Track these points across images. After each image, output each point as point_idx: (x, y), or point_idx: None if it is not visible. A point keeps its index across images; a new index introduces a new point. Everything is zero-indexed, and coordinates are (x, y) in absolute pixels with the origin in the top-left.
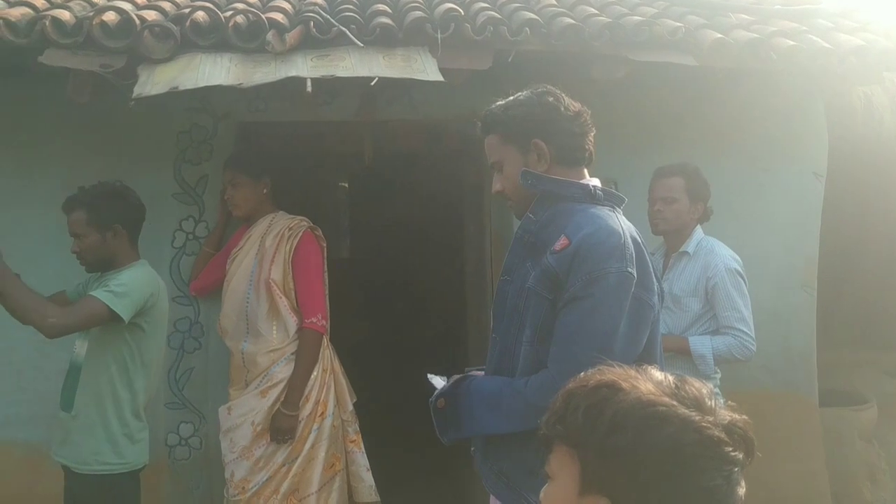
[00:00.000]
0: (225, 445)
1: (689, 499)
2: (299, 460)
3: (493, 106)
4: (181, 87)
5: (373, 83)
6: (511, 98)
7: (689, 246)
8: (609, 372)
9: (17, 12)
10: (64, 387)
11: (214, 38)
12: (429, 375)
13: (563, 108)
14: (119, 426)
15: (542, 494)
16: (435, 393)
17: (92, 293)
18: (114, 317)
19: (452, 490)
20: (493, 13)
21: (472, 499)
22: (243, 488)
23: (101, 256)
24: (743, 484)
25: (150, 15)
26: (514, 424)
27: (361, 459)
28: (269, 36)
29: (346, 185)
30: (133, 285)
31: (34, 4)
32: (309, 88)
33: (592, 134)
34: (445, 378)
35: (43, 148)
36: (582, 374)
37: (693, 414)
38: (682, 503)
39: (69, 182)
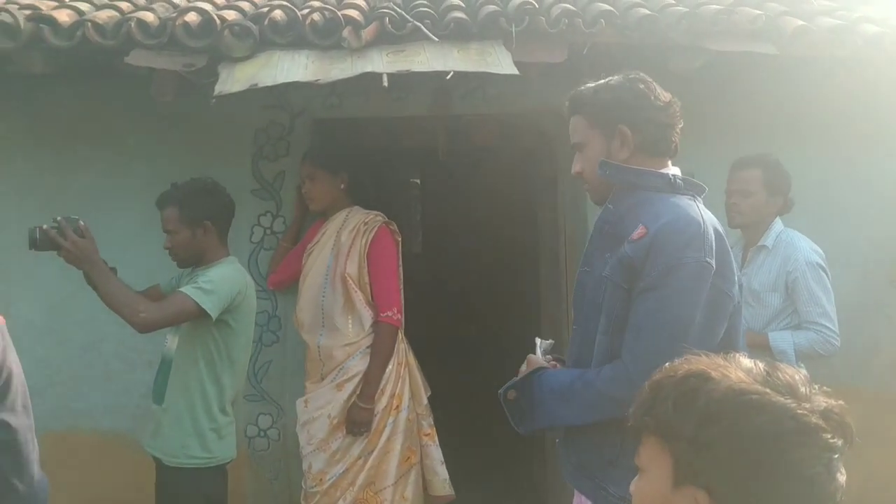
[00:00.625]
0: (303, 438)
1: (788, 488)
2: (375, 453)
3: (583, 87)
4: (260, 84)
5: (448, 77)
6: (602, 81)
7: (768, 239)
8: (696, 361)
9: (105, 15)
10: (156, 380)
11: (292, 36)
12: (536, 339)
13: (653, 97)
14: (207, 420)
15: (632, 487)
16: (505, 385)
17: (181, 289)
18: (202, 313)
19: (526, 483)
20: (567, 5)
21: (548, 492)
22: (321, 480)
23: (191, 252)
24: (843, 471)
25: (230, 15)
26: (586, 416)
27: (436, 453)
28: (346, 32)
29: (418, 180)
30: (221, 282)
31: (120, 7)
32: (385, 83)
33: (680, 126)
34: (552, 342)
35: (128, 146)
36: (668, 364)
37: (788, 401)
38: (782, 493)
39: (152, 179)
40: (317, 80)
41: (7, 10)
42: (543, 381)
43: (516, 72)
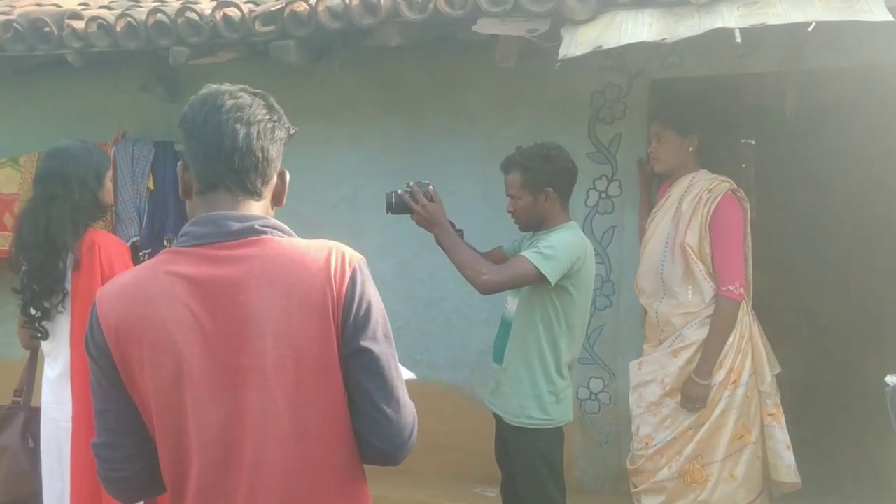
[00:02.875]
0: (633, 399)
1: None
2: (706, 426)
3: None
4: (605, 47)
5: (809, 28)
6: None
7: None
8: None
9: None
10: (496, 340)
11: None
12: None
13: None
14: (545, 383)
15: None
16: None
17: (522, 253)
18: (541, 278)
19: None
20: None
21: None
22: (647, 444)
23: (533, 217)
24: None
25: None
26: None
27: (781, 435)
28: None
29: (752, 141)
30: (561, 248)
31: None
32: (738, 39)
33: None
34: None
35: (469, 112)
36: None
37: None
38: None
39: (490, 144)
40: (663, 40)
41: None
42: None
43: (891, 17)
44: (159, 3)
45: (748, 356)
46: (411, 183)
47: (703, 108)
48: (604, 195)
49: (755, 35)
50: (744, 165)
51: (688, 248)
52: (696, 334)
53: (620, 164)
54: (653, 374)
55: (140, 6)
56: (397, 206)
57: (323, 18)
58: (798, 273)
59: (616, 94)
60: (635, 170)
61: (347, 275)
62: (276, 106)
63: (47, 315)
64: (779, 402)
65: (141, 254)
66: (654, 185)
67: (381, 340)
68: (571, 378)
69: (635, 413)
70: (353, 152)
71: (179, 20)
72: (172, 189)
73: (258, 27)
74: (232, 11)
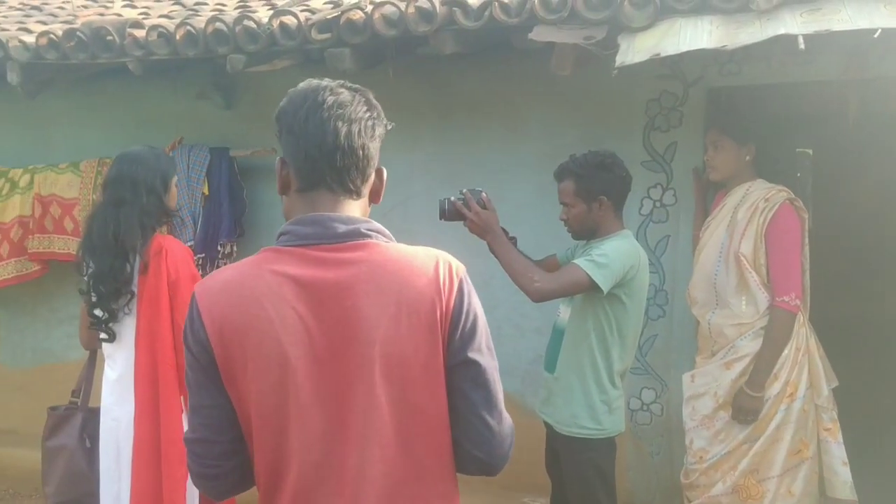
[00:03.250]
0: (686, 412)
1: None
2: (762, 440)
3: None
4: (663, 54)
5: (876, 35)
6: None
7: None
8: None
9: None
10: (548, 349)
11: (694, 2)
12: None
13: None
14: (597, 393)
15: None
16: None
17: (575, 261)
18: (594, 286)
19: None
20: None
21: None
22: (701, 458)
23: (586, 225)
24: None
25: None
26: None
27: (837, 451)
28: None
29: (810, 150)
30: (614, 256)
31: None
32: (802, 46)
33: None
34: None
35: (523, 119)
36: None
37: None
38: None
39: (544, 152)
40: (723, 47)
41: None
42: None
43: None
44: (217, 12)
45: (805, 369)
46: (464, 190)
47: (761, 116)
48: (658, 204)
49: (816, 42)
50: (799, 175)
51: (742, 258)
52: (750, 346)
53: (675, 172)
54: (706, 387)
55: (199, 15)
56: (450, 213)
57: (378, 26)
58: (857, 285)
59: (672, 103)
60: (691, 179)
61: (455, 285)
62: (375, 102)
63: (114, 317)
64: (835, 416)
65: (195, 258)
66: (709, 194)
67: (485, 352)
68: (623, 388)
69: (689, 426)
70: (407, 160)
71: (237, 28)
72: (227, 195)
73: (314, 35)
74: (288, 19)
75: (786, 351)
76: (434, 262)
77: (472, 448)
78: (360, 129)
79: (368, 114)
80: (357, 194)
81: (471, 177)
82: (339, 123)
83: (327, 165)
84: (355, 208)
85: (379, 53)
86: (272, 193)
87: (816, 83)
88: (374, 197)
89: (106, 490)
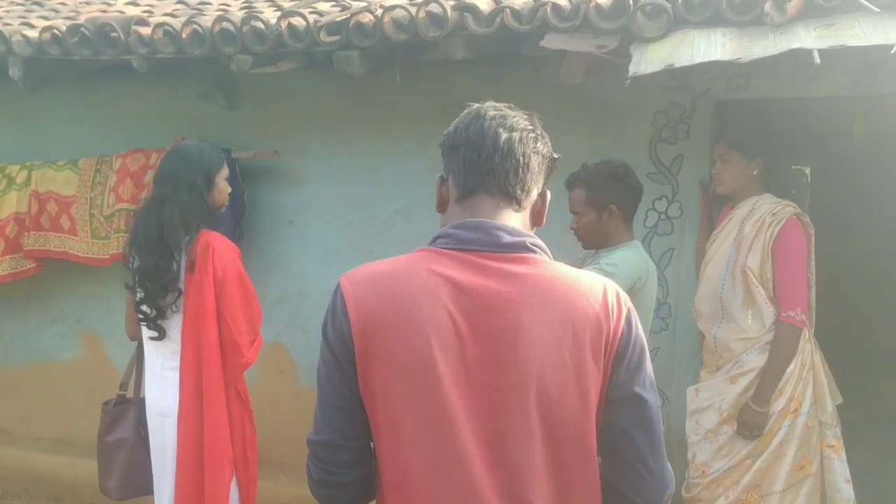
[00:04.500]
0: (689, 426)
1: None
2: (765, 455)
3: None
4: (676, 65)
5: (893, 51)
6: None
7: None
8: None
9: (520, 1)
10: None
11: (707, 14)
12: None
13: None
14: None
15: None
16: None
17: (584, 270)
18: None
19: None
20: None
21: None
22: (703, 472)
23: (596, 234)
24: None
25: None
26: None
27: (840, 468)
28: (767, 7)
29: (806, 168)
30: (622, 265)
31: None
32: (817, 61)
33: None
34: None
35: None
36: None
37: None
38: None
39: None
40: (737, 59)
41: (436, 1)
42: None
43: None
44: (223, 12)
45: (809, 385)
46: None
47: (770, 131)
48: (663, 216)
49: (826, 58)
50: (794, 192)
51: (749, 272)
52: (755, 360)
53: (682, 185)
54: (710, 401)
55: (203, 14)
56: None
57: (388, 30)
58: (859, 301)
59: (679, 115)
60: (696, 191)
61: (623, 313)
62: (538, 123)
63: (162, 314)
64: (839, 433)
65: None
66: (714, 207)
67: (650, 389)
68: None
69: (692, 440)
70: (410, 165)
71: (245, 28)
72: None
73: (322, 37)
74: (297, 21)
75: (791, 366)
76: (602, 287)
77: (628, 492)
78: (520, 137)
79: (531, 127)
80: (518, 204)
81: None
82: (500, 129)
83: (486, 169)
84: (516, 221)
85: (386, 57)
86: (273, 196)
87: (823, 99)
88: (536, 218)
89: (156, 485)
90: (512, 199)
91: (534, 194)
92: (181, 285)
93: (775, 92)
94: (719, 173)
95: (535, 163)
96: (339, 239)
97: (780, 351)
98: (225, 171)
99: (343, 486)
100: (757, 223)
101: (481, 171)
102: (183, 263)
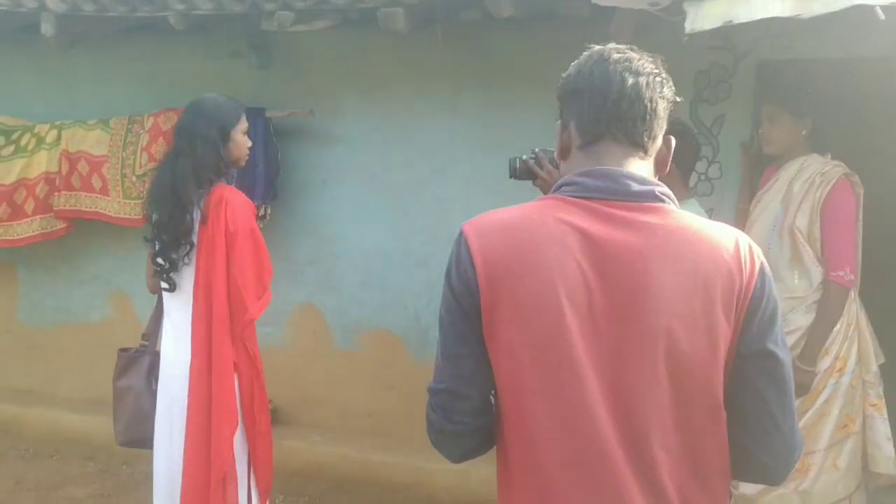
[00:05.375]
0: None
1: None
2: (809, 414)
3: None
4: (736, 21)
5: None
6: None
7: None
8: None
9: None
10: None
11: None
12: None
13: None
14: None
15: None
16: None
17: None
18: None
19: None
20: None
21: None
22: None
23: None
24: None
25: None
26: None
27: (882, 426)
28: None
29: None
30: None
31: None
32: (882, 16)
33: None
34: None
35: None
36: None
37: None
38: None
39: None
40: (797, 16)
41: None
42: None
43: None
44: None
45: (854, 344)
46: (536, 150)
47: (818, 91)
48: (703, 177)
49: (870, 18)
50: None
51: (797, 232)
52: (802, 319)
53: (722, 146)
54: None
55: None
56: (521, 172)
57: None
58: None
59: (721, 75)
60: (737, 152)
61: (757, 266)
62: (664, 68)
63: (174, 266)
64: (881, 392)
65: None
66: (756, 169)
67: (782, 346)
68: None
69: None
70: (447, 125)
71: None
72: (262, 156)
73: None
74: None
75: (837, 326)
76: (734, 239)
77: (758, 451)
78: (647, 82)
79: (657, 71)
80: (644, 151)
81: (514, 144)
82: (626, 74)
83: (612, 115)
84: (643, 168)
85: (429, 16)
86: (307, 156)
87: (868, 59)
88: (660, 165)
89: (159, 438)
90: (639, 146)
91: (659, 140)
92: (194, 238)
93: (819, 52)
94: (767, 133)
95: (662, 108)
96: (373, 199)
97: (828, 310)
98: (243, 126)
99: (465, 435)
100: (806, 183)
101: (608, 117)
102: (197, 217)
